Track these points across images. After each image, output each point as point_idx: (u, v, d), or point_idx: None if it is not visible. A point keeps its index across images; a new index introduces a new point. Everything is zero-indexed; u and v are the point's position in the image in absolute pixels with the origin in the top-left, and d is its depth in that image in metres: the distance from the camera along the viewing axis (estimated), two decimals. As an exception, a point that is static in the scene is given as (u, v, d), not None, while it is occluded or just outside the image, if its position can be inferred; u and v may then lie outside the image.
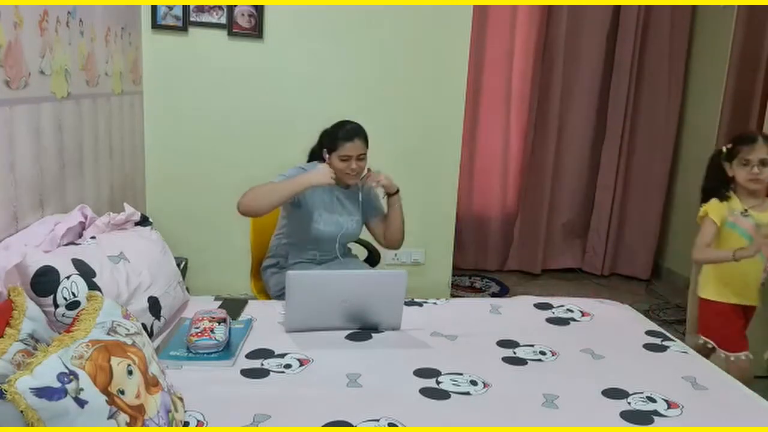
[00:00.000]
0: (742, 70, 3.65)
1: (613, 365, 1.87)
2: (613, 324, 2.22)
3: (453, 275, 3.80)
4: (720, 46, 3.89)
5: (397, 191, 2.45)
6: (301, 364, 1.78)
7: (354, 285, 2.02)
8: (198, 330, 1.81)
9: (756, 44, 3.61)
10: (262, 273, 2.55)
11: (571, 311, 2.31)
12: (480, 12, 4.13)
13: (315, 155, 2.48)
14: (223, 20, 3.19)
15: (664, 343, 2.06)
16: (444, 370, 1.78)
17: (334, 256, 2.48)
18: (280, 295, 2.39)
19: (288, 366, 1.77)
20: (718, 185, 2.38)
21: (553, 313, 2.30)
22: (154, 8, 3.13)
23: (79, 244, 1.83)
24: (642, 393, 1.70)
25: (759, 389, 1.82)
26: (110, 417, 1.18)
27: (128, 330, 1.39)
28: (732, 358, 2.37)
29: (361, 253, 2.77)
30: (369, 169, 2.41)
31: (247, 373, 1.72)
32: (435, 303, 2.36)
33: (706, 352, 2.38)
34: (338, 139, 2.31)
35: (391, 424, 1.48)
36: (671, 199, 4.62)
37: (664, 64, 4.37)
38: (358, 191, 2.47)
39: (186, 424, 1.43)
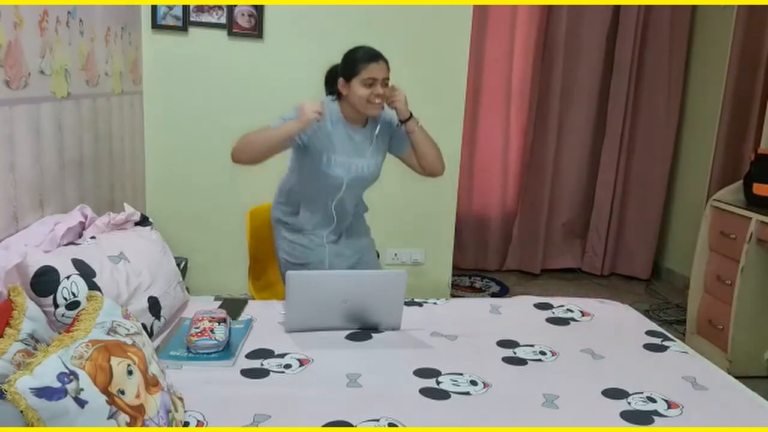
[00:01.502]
0: (742, 70, 3.65)
1: (613, 365, 1.87)
2: (613, 324, 2.22)
3: (453, 275, 3.80)
4: (720, 46, 3.90)
5: (411, 117, 2.20)
6: (301, 364, 1.78)
7: (354, 285, 2.01)
8: (198, 330, 1.81)
9: (756, 44, 3.61)
10: (273, 227, 2.40)
11: (571, 311, 2.31)
12: (480, 12, 4.13)
13: (331, 85, 2.26)
14: (223, 20, 3.20)
15: (664, 343, 2.06)
16: (444, 370, 1.78)
17: (345, 210, 2.31)
18: (290, 265, 2.30)
19: (288, 366, 1.77)
20: None
21: (553, 313, 2.30)
22: (154, 8, 3.13)
23: (79, 244, 1.84)
24: (642, 393, 1.70)
25: (759, 389, 1.82)
26: (110, 417, 1.18)
27: (128, 330, 1.39)
28: None
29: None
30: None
31: (247, 373, 1.72)
32: (435, 303, 2.36)
33: None
34: (359, 61, 2.08)
35: (391, 424, 1.48)
36: (671, 199, 4.62)
37: (664, 63, 4.37)
38: (375, 126, 2.24)
39: (186, 424, 1.43)
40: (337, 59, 3.34)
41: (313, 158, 2.19)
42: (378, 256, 2.77)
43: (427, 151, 2.28)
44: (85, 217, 2.01)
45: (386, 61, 2.12)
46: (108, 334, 1.32)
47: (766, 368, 3.04)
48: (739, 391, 1.76)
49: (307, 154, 2.20)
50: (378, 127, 2.26)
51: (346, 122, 2.21)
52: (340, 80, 2.15)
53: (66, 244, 1.83)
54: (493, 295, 4.14)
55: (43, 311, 1.50)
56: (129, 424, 1.21)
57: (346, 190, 2.24)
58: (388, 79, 2.12)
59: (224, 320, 1.87)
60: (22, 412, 1.08)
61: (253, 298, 2.51)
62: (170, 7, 3.15)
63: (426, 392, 1.65)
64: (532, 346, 1.99)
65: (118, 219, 2.07)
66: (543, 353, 1.94)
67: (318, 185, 2.25)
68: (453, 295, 3.86)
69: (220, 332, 1.81)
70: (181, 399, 1.47)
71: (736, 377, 1.87)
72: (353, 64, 2.10)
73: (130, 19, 2.97)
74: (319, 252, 2.32)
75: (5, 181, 1.78)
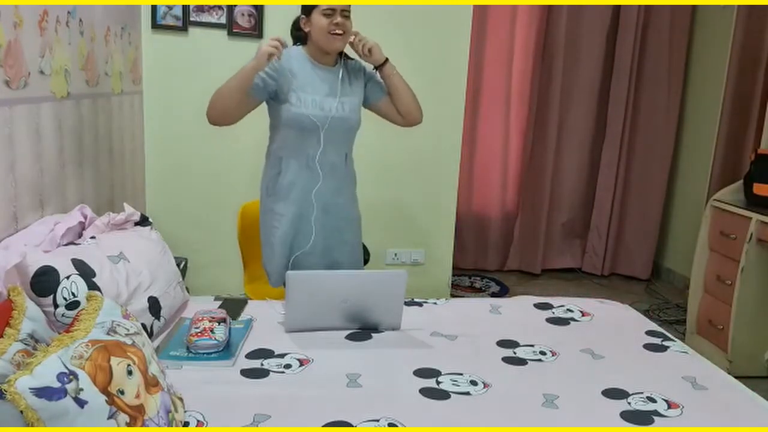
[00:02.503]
0: (742, 70, 3.65)
1: (613, 365, 1.87)
2: (613, 324, 2.22)
3: (453, 275, 3.80)
4: (720, 46, 3.90)
5: (386, 61, 2.24)
6: (301, 364, 1.78)
7: (354, 285, 2.01)
8: (198, 330, 1.81)
9: (756, 44, 3.61)
10: (260, 204, 2.35)
11: (571, 311, 2.31)
12: (480, 12, 4.12)
13: (297, 30, 2.27)
14: (223, 20, 3.19)
15: (664, 343, 2.06)
16: (444, 370, 1.78)
17: (330, 160, 2.22)
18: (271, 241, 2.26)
19: (288, 366, 1.77)
20: None
21: (553, 313, 2.30)
22: (153, 8, 3.13)
23: (79, 244, 1.84)
24: (642, 393, 1.70)
25: (759, 389, 1.82)
26: (110, 417, 1.18)
27: (128, 330, 1.39)
28: None
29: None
30: (355, 34, 2.19)
31: (247, 373, 1.72)
32: (435, 303, 2.36)
33: None
34: None
35: (391, 424, 1.48)
36: (671, 199, 4.62)
37: (664, 63, 4.37)
38: (345, 66, 2.24)
39: (186, 424, 1.43)
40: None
41: (284, 104, 2.15)
42: (368, 254, 2.70)
43: (405, 96, 2.28)
44: (85, 217, 2.01)
45: None
46: (108, 334, 1.32)
47: (766, 368, 3.04)
48: (739, 391, 1.76)
49: (279, 101, 2.17)
50: (346, 68, 2.25)
51: (313, 62, 2.20)
52: (302, 18, 2.17)
53: (66, 244, 1.83)
54: (493, 295, 4.14)
55: (43, 311, 1.50)
56: (129, 424, 1.21)
57: (326, 134, 2.17)
58: (347, 11, 2.14)
59: (224, 320, 1.87)
60: (21, 412, 1.08)
61: (248, 296, 2.51)
62: (170, 7, 3.15)
63: (426, 392, 1.65)
64: (532, 346, 1.99)
65: (118, 219, 2.07)
66: (543, 353, 1.94)
67: (297, 132, 2.17)
68: (453, 295, 3.86)
69: (220, 332, 1.81)
70: (181, 399, 1.47)
71: (736, 377, 1.88)
72: None
73: (129, 19, 2.97)
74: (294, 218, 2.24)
75: (5, 181, 1.78)
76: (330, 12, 2.10)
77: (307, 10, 2.15)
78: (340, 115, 2.20)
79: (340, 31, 2.12)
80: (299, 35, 2.25)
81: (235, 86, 2.08)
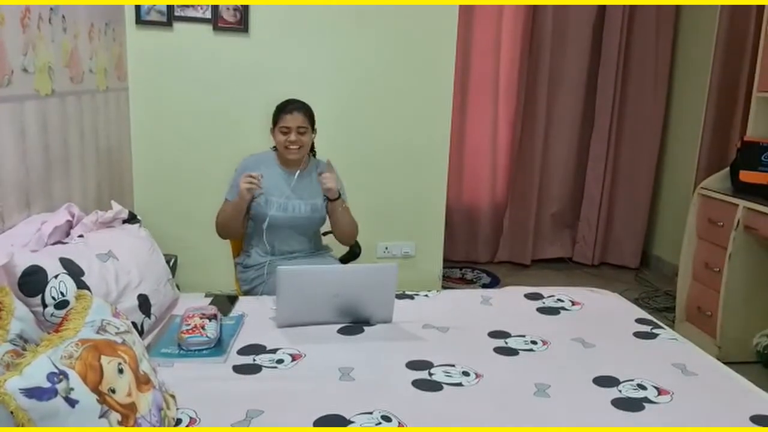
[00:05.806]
0: (728, 59, 3.67)
1: (604, 353, 1.89)
2: (604, 313, 2.24)
3: (444, 267, 3.81)
4: (705, 35, 3.91)
5: (339, 197, 2.40)
6: (293, 359, 1.78)
7: (345, 279, 2.02)
8: (189, 327, 1.80)
9: (741, 32, 3.63)
10: (234, 267, 2.59)
11: (562, 301, 2.32)
12: (467, 5, 4.11)
13: None
14: (208, 15, 3.16)
15: (653, 330, 2.08)
16: (436, 362, 1.79)
17: (292, 249, 2.46)
18: (248, 291, 2.46)
19: (280, 361, 1.77)
20: None
21: (544, 303, 2.31)
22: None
23: (67, 242, 1.82)
24: (632, 380, 1.71)
25: (748, 374, 1.83)
26: (101, 416, 1.17)
27: (118, 328, 1.38)
28: None
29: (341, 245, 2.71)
30: (329, 163, 2.38)
31: (239, 369, 1.72)
32: (426, 295, 2.37)
33: None
34: (278, 112, 2.39)
35: (384, 417, 1.48)
36: (659, 188, 4.65)
37: (651, 53, 4.39)
38: (311, 171, 2.46)
39: (178, 421, 1.43)
40: (325, 53, 3.37)
41: (259, 205, 2.41)
42: (359, 248, 2.73)
43: (342, 227, 2.48)
44: (72, 216, 1.99)
45: (305, 113, 2.39)
46: (98, 333, 1.31)
47: (754, 353, 3.07)
48: (728, 377, 1.78)
49: (256, 203, 2.43)
50: (315, 171, 2.45)
51: (281, 167, 2.44)
52: (271, 128, 2.43)
53: (53, 243, 1.81)
54: (484, 286, 4.15)
55: (32, 311, 1.49)
56: (120, 423, 1.21)
57: (282, 229, 2.41)
58: (303, 127, 2.37)
59: (215, 317, 1.86)
60: (12, 413, 1.07)
61: (239, 293, 2.50)
62: (154, 3, 3.12)
63: (418, 384, 1.66)
64: (524, 336, 2.00)
65: (106, 217, 2.05)
66: (534, 343, 1.95)
67: (260, 225, 2.41)
68: (444, 287, 3.87)
69: (211, 329, 1.81)
70: (173, 396, 1.47)
71: (725, 363, 1.89)
72: (275, 115, 2.41)
73: (113, 15, 2.93)
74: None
75: (-10, 181, 1.76)
76: (286, 130, 2.35)
77: (273, 124, 2.40)
78: (305, 215, 2.42)
79: (295, 147, 2.36)
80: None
81: (232, 214, 2.37)
